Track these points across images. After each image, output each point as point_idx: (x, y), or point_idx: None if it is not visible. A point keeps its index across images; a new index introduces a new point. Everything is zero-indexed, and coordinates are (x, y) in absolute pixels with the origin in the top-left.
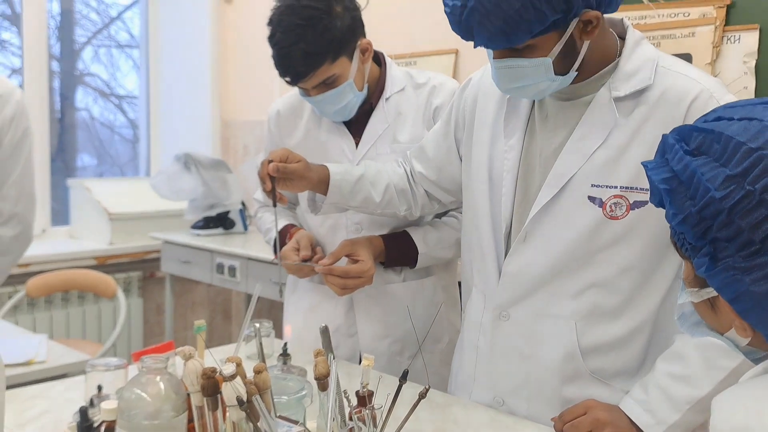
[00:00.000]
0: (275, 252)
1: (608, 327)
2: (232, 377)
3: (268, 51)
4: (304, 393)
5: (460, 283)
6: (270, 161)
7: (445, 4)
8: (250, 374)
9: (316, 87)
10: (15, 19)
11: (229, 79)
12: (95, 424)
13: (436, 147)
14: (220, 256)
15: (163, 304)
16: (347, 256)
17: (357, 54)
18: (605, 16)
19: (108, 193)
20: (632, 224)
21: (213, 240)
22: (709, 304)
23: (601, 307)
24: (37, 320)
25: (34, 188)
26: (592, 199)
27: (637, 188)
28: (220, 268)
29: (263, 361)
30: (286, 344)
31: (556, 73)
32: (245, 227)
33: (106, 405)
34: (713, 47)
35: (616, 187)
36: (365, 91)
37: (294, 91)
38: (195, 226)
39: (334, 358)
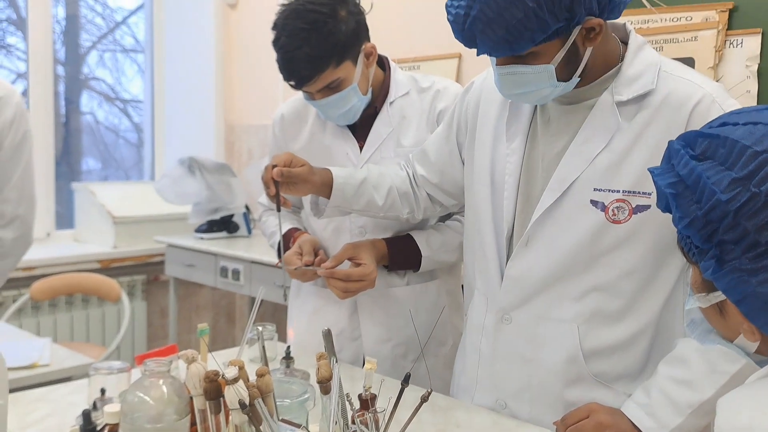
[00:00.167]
0: (279, 256)
1: (610, 330)
2: (235, 380)
3: (272, 55)
4: (306, 396)
5: (463, 287)
6: (274, 166)
7: (448, 12)
8: (252, 377)
9: (321, 91)
10: (20, 24)
11: (233, 84)
12: (98, 428)
13: (438, 150)
14: (224, 259)
15: (167, 307)
16: (350, 259)
17: (361, 58)
18: (607, 21)
19: (112, 197)
20: (635, 228)
21: (217, 243)
22: (717, 309)
23: (604, 310)
24: (41, 323)
25: (34, 190)
26: (594, 203)
27: (639, 192)
28: (223, 271)
29: (266, 364)
30: (289, 347)
31: (558, 80)
32: (249, 231)
33: (109, 408)
34: (716, 51)
35: (618, 191)
36: (369, 95)
37: (298, 95)
38: (199, 230)
39: (336, 362)
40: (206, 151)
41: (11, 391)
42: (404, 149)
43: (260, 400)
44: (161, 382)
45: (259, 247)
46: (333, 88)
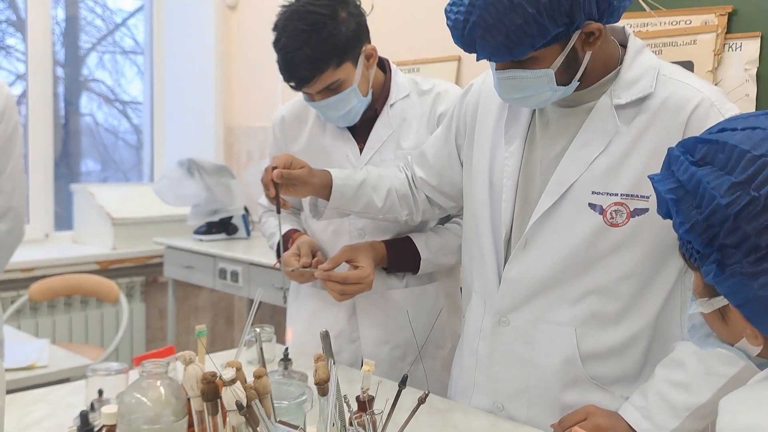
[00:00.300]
0: (278, 257)
1: (608, 333)
2: (232, 382)
3: (271, 57)
4: (304, 398)
5: (461, 289)
6: (274, 168)
7: (448, 18)
8: (250, 379)
9: (321, 92)
10: (20, 25)
11: (232, 85)
12: (96, 429)
13: (437, 152)
14: (223, 261)
15: (166, 309)
16: (347, 261)
17: (362, 60)
18: (607, 25)
19: (111, 199)
20: (632, 232)
21: (216, 245)
22: (719, 314)
23: (601, 313)
24: (40, 325)
25: (25, 182)
26: (592, 206)
27: (637, 196)
28: (222, 273)
29: (264, 366)
30: (287, 349)
31: (558, 84)
32: (248, 233)
33: (106, 409)
34: (715, 55)
35: (616, 195)
36: (370, 96)
37: (299, 96)
38: (198, 232)
39: (334, 363)
40: (205, 152)
41: (9, 392)
42: (404, 151)
43: (257, 401)
44: (159, 383)
45: (258, 249)
46: (333, 89)
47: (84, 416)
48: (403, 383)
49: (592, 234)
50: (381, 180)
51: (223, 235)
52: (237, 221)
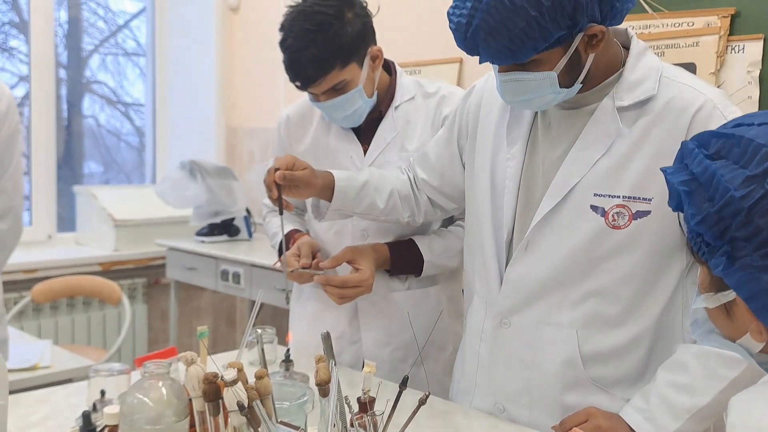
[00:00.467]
0: (280, 257)
1: (609, 335)
2: (234, 382)
3: (273, 58)
4: (305, 399)
5: (463, 291)
6: (276, 169)
7: (450, 21)
8: (252, 380)
9: (326, 92)
10: (23, 27)
11: (234, 87)
12: (98, 429)
13: (438, 154)
14: (225, 262)
15: (168, 310)
16: (348, 262)
17: (367, 61)
18: (609, 27)
19: (114, 200)
20: (634, 234)
21: (218, 247)
22: (724, 309)
23: (602, 315)
24: (43, 326)
25: (24, 182)
26: (594, 208)
27: (639, 198)
28: (224, 274)
29: (265, 367)
30: (288, 350)
31: (561, 86)
32: (250, 234)
33: (108, 410)
34: (717, 57)
35: (618, 197)
36: (375, 98)
37: (304, 97)
38: (200, 233)
39: (335, 365)
40: (207, 154)
41: (12, 392)
42: (408, 154)
43: (259, 402)
44: (161, 383)
45: (260, 251)
46: (338, 90)
47: (86, 416)
48: (403, 384)
49: (593, 236)
50: (383, 181)
51: (225, 237)
52: (239, 223)
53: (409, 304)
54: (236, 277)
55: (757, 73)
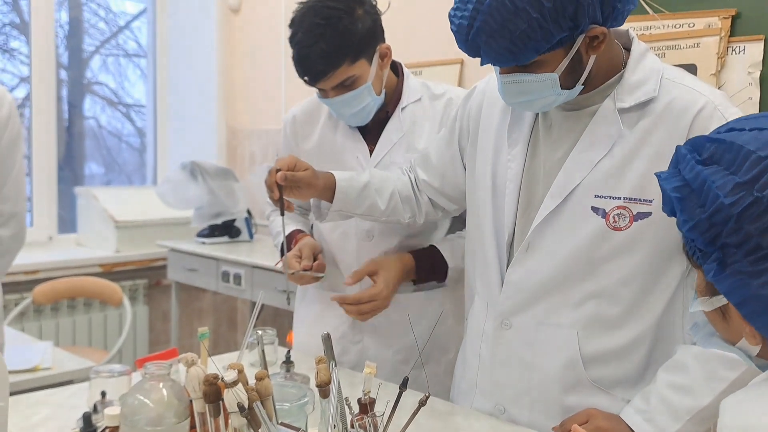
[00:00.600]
0: (281, 254)
1: (610, 336)
2: (234, 384)
3: (274, 60)
4: (305, 400)
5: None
6: (277, 170)
7: (452, 23)
8: (252, 381)
9: (335, 88)
10: (23, 28)
11: (235, 88)
12: (98, 430)
13: (440, 155)
14: (226, 264)
15: (169, 311)
16: (368, 275)
17: (376, 58)
18: (611, 28)
19: (115, 201)
20: (635, 236)
21: (219, 248)
22: (720, 312)
23: (603, 316)
24: (44, 327)
25: (26, 187)
26: (595, 209)
27: (640, 200)
28: (225, 276)
29: (265, 368)
30: (289, 351)
31: (562, 87)
32: (251, 236)
33: (109, 411)
34: (718, 58)
35: (619, 198)
36: (383, 96)
37: (310, 97)
38: (201, 234)
39: (336, 366)
40: (208, 155)
41: (12, 393)
42: (414, 155)
43: (259, 403)
44: (161, 385)
45: (261, 252)
46: (347, 86)
47: (87, 418)
48: (404, 385)
49: (594, 237)
50: (384, 182)
51: (226, 238)
52: (240, 224)
53: (414, 306)
54: (237, 279)
55: (758, 74)
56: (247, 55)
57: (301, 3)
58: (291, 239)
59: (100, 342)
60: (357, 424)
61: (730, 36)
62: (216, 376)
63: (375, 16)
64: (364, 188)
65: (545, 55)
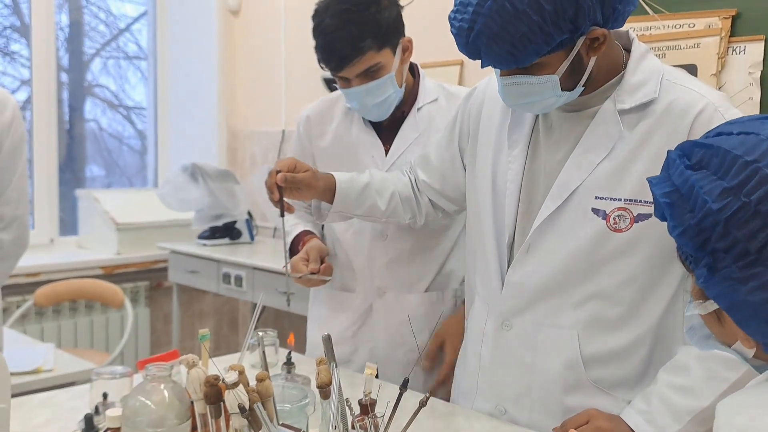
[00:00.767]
0: (290, 255)
1: (610, 337)
2: (235, 385)
3: (275, 61)
4: (306, 401)
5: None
6: (278, 171)
7: (452, 25)
8: (253, 382)
9: (359, 76)
10: (24, 31)
11: (236, 90)
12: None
13: (440, 156)
14: (227, 265)
15: (170, 313)
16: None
17: (399, 50)
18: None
19: (116, 204)
20: (636, 237)
21: (219, 250)
22: (715, 316)
23: (603, 317)
24: (45, 329)
25: (28, 191)
26: (595, 211)
27: (641, 201)
28: (226, 277)
29: (266, 369)
30: (290, 353)
31: (563, 89)
32: (252, 237)
33: (110, 412)
34: (718, 58)
35: (620, 200)
36: (403, 90)
37: (323, 97)
38: (202, 236)
39: (336, 367)
40: (209, 157)
41: (14, 395)
42: None
43: (260, 404)
44: (162, 386)
45: (262, 254)
46: (371, 74)
47: (89, 419)
48: (404, 386)
49: (595, 239)
50: (384, 183)
51: (226, 240)
52: (241, 226)
53: (424, 306)
54: (238, 280)
55: (759, 74)
56: (247, 57)
57: None
58: (298, 241)
59: (102, 344)
60: (358, 425)
61: (730, 36)
62: (217, 378)
63: (398, 8)
64: (364, 189)
65: (546, 58)
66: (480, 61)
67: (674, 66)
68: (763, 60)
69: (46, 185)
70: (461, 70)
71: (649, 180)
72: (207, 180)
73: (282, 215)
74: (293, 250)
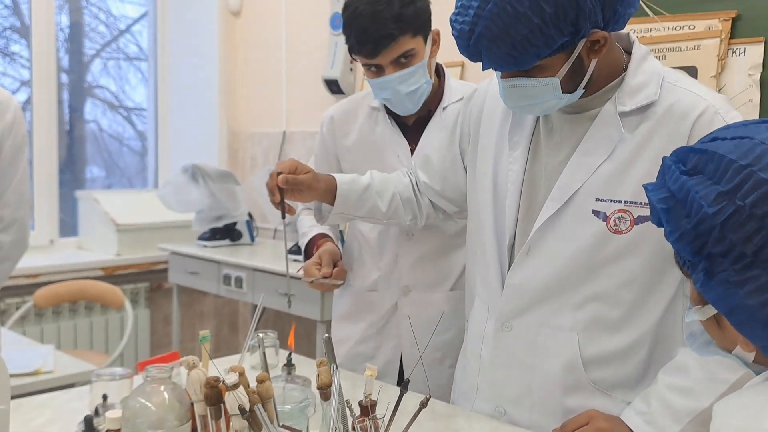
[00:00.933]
0: (304, 257)
1: (610, 339)
2: (235, 386)
3: (275, 63)
4: (307, 403)
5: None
6: (279, 173)
7: (453, 28)
8: (254, 384)
9: (393, 63)
10: (24, 32)
11: (236, 91)
12: None
13: (441, 157)
14: (227, 267)
15: (171, 315)
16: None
17: (429, 40)
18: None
19: (116, 205)
20: (636, 239)
21: (220, 251)
22: (715, 321)
23: (603, 319)
24: (45, 331)
25: (28, 193)
26: (596, 213)
27: (641, 203)
28: (227, 279)
29: (266, 370)
30: (290, 354)
31: (563, 91)
32: (252, 239)
33: (110, 414)
34: (718, 60)
35: (620, 202)
36: (431, 84)
37: (346, 98)
38: (202, 238)
39: (336, 368)
40: (210, 158)
41: (14, 397)
42: None
43: (260, 405)
44: (162, 388)
45: (262, 255)
46: (405, 60)
47: (88, 421)
48: (405, 388)
49: (595, 241)
50: (385, 185)
51: (227, 241)
52: (241, 227)
53: (448, 305)
54: (238, 282)
55: (758, 76)
56: (248, 58)
57: None
58: (313, 244)
59: (102, 345)
60: (358, 426)
61: (730, 38)
62: (217, 379)
63: (428, 1)
64: (365, 191)
65: (546, 60)
66: (481, 63)
67: (674, 68)
68: (763, 62)
69: (46, 186)
70: (462, 72)
71: (645, 186)
72: (207, 181)
73: (283, 217)
74: (309, 252)
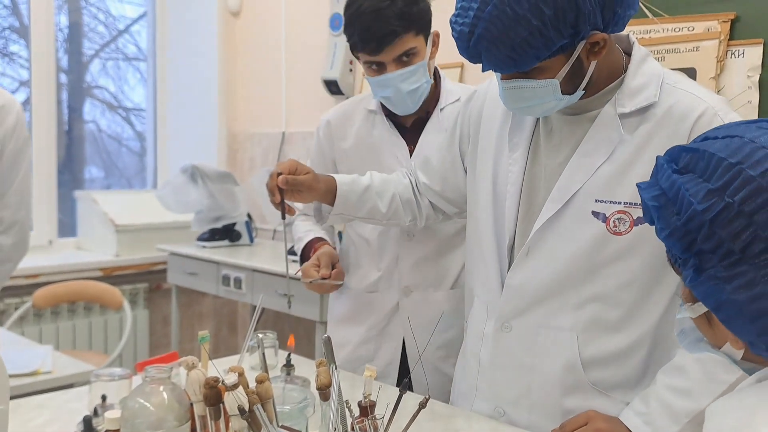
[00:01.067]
0: (301, 261)
1: (609, 339)
2: (234, 387)
3: (275, 63)
4: (306, 403)
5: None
6: (279, 173)
7: (453, 29)
8: (253, 384)
9: (396, 60)
10: (23, 32)
11: (236, 92)
12: None
13: (440, 158)
14: (226, 267)
15: (169, 315)
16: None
17: (430, 41)
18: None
19: (115, 205)
20: (635, 240)
21: (219, 252)
22: (705, 319)
23: (602, 320)
24: (44, 331)
25: (31, 195)
26: (595, 214)
27: (640, 204)
28: (225, 279)
29: (266, 371)
30: (289, 355)
31: (563, 93)
32: (251, 239)
33: (109, 414)
34: (717, 61)
35: (619, 203)
36: (430, 84)
37: (342, 102)
38: (201, 238)
39: (336, 369)
40: (209, 159)
41: (13, 397)
42: None
43: (259, 406)
44: (162, 388)
45: (261, 256)
46: (407, 58)
47: (87, 421)
48: (404, 388)
49: (595, 242)
50: (385, 185)
51: (226, 242)
52: (240, 228)
53: (450, 304)
54: (237, 282)
55: (757, 77)
56: (247, 59)
57: None
58: (310, 248)
59: (101, 346)
60: (357, 426)
61: (729, 39)
62: (216, 380)
63: (429, 2)
64: (365, 191)
65: (546, 62)
66: (483, 69)
67: (673, 69)
68: (762, 63)
69: (45, 186)
70: (461, 73)
71: (638, 185)
72: (206, 182)
73: (283, 218)
74: (305, 257)
